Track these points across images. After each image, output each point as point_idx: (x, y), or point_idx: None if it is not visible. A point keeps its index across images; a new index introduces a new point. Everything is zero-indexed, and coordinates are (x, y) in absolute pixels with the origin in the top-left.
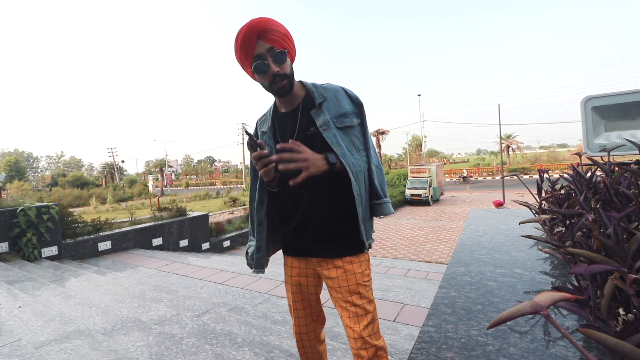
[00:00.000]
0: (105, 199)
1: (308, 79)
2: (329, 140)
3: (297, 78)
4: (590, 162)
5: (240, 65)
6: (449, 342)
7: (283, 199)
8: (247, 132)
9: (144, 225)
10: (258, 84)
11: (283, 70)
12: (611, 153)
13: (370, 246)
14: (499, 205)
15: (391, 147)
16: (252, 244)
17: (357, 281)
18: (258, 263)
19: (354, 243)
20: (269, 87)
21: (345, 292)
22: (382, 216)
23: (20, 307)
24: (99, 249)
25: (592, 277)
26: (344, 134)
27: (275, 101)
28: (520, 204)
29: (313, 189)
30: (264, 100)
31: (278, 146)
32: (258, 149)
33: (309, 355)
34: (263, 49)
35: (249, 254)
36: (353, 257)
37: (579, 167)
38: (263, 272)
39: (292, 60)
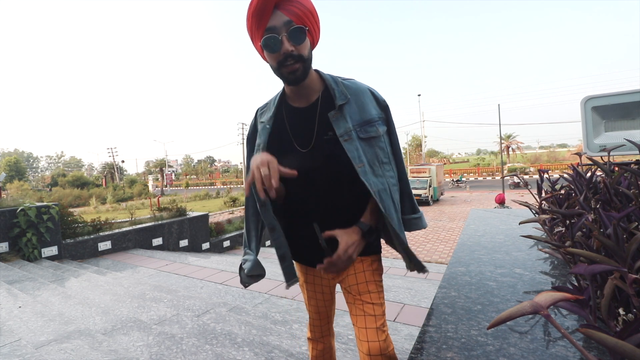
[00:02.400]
0: (105, 199)
1: None
2: (351, 155)
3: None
4: (590, 162)
5: (250, 38)
6: (449, 342)
7: (289, 204)
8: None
9: (144, 225)
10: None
11: (299, 51)
12: (611, 153)
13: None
14: (501, 202)
15: None
16: (248, 257)
17: (367, 279)
18: (289, 273)
19: (368, 245)
20: (277, 69)
21: (354, 291)
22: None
23: (20, 307)
24: (99, 249)
25: (592, 277)
26: (368, 146)
27: (284, 90)
28: (520, 204)
29: (322, 196)
30: (264, 100)
31: (325, 265)
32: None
33: (317, 346)
34: (278, 21)
35: (245, 270)
36: (364, 257)
37: (579, 167)
38: (298, 281)
39: (313, 45)
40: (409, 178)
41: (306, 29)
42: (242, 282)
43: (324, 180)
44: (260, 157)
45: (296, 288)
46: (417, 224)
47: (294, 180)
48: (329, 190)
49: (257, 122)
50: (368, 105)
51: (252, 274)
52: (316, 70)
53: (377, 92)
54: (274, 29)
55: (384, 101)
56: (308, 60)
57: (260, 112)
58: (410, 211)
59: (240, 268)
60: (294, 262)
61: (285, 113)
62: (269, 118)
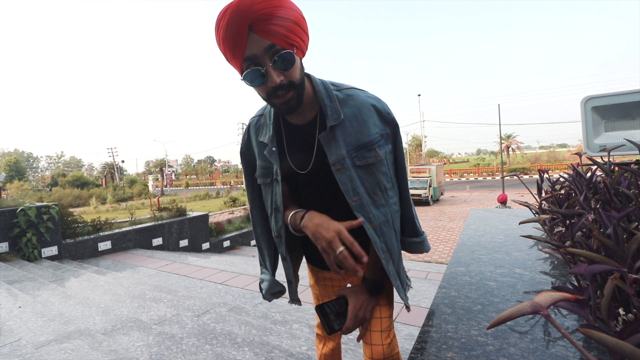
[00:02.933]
0: (105, 199)
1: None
2: (343, 187)
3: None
4: (590, 162)
5: (226, 60)
6: (449, 342)
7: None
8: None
9: (144, 225)
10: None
11: (289, 77)
12: (611, 153)
13: (408, 307)
14: (503, 201)
15: None
16: (264, 277)
17: None
18: (292, 295)
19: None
20: (267, 100)
21: None
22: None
23: (20, 307)
24: (99, 249)
25: (592, 277)
26: (367, 173)
27: None
28: (520, 204)
29: (334, 206)
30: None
31: (344, 331)
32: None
33: (328, 344)
34: (258, 48)
35: (263, 290)
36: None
37: (579, 167)
38: (299, 304)
39: (303, 56)
40: (409, 178)
41: (294, 51)
42: (264, 298)
43: (326, 203)
44: (324, 228)
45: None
46: (418, 247)
47: (295, 196)
48: (331, 204)
49: (252, 137)
50: (367, 122)
51: (273, 292)
52: (308, 77)
53: (381, 105)
54: (254, 58)
55: (389, 114)
56: (301, 84)
57: (254, 126)
58: (412, 234)
59: (260, 286)
60: (307, 264)
61: (283, 130)
62: (270, 138)
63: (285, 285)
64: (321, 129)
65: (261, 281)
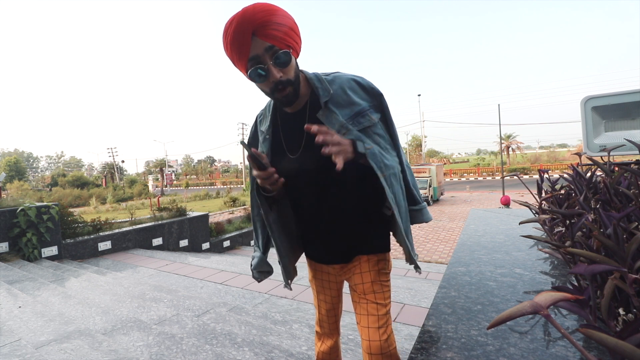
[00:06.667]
0: (105, 199)
1: None
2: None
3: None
4: (590, 162)
5: (233, 64)
6: (449, 342)
7: (295, 205)
8: (244, 144)
9: (144, 225)
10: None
11: (287, 75)
12: (611, 153)
13: (417, 266)
14: (506, 203)
15: None
16: (255, 254)
17: (372, 279)
18: (286, 275)
19: (376, 244)
20: (270, 95)
21: (359, 290)
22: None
23: (20, 307)
24: (99, 249)
25: (592, 277)
26: (366, 136)
27: None
28: (520, 204)
29: (319, 199)
30: (263, 99)
31: (311, 128)
32: (261, 162)
33: (326, 342)
34: (260, 49)
35: (252, 266)
36: (371, 256)
37: (579, 167)
38: (289, 283)
39: (297, 56)
40: None
41: (290, 50)
42: (253, 277)
43: (318, 185)
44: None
45: (297, 288)
46: (417, 215)
47: (291, 185)
48: (325, 193)
49: (258, 129)
50: (353, 96)
51: (260, 270)
52: (302, 72)
53: (362, 80)
54: (257, 58)
55: (372, 88)
56: (297, 80)
57: (259, 119)
58: (410, 202)
59: (251, 263)
60: (306, 257)
61: (279, 119)
62: (267, 127)
63: (276, 268)
64: (311, 114)
65: (252, 258)
